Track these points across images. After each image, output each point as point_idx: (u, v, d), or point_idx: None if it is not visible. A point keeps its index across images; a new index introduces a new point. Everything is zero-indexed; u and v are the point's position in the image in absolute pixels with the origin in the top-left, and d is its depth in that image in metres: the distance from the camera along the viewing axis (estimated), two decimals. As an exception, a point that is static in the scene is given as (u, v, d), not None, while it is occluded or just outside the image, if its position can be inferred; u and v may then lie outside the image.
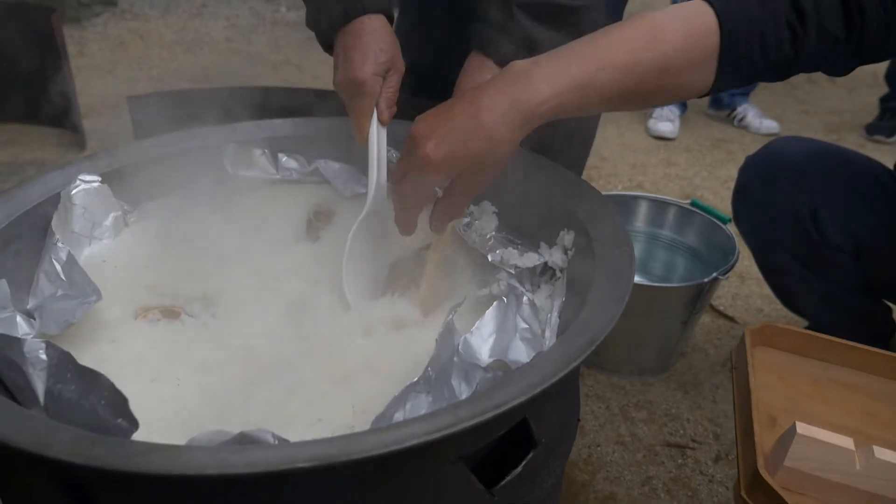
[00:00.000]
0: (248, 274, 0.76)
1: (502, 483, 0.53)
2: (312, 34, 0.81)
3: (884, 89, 2.63)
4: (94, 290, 0.64)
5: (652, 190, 2.17)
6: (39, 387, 0.49)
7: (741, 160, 1.23)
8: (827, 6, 0.62)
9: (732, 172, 1.49)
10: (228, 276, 0.75)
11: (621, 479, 1.17)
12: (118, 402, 0.47)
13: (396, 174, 0.67)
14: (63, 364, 0.49)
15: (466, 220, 0.77)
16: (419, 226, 0.71)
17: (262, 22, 3.91)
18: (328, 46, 0.80)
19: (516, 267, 0.72)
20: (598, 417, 1.30)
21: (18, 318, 0.62)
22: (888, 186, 1.09)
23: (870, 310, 1.22)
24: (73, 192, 0.74)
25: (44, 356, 0.50)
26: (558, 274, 0.72)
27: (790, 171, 1.12)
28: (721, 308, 1.62)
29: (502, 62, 0.79)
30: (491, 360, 0.57)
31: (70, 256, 0.66)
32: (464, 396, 0.54)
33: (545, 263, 0.73)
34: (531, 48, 0.78)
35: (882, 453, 0.57)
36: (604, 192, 0.75)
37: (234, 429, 0.45)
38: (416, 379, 0.53)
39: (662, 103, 0.70)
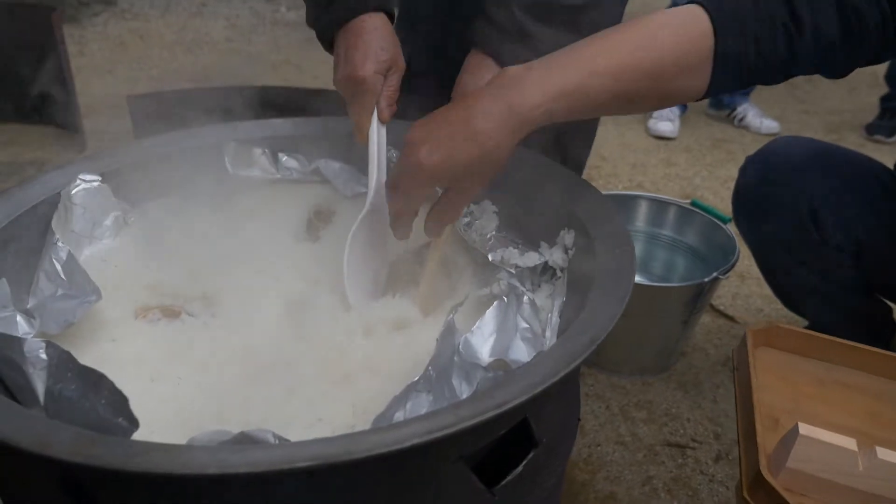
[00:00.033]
0: (248, 273, 0.76)
1: (503, 483, 0.53)
2: (313, 34, 0.81)
3: (884, 89, 2.63)
4: (95, 290, 0.64)
5: (652, 190, 2.17)
6: (39, 386, 0.49)
7: (741, 160, 1.23)
8: (822, 9, 0.62)
9: (732, 172, 1.49)
10: (229, 275, 0.75)
11: (621, 478, 1.17)
12: (118, 402, 0.47)
13: (391, 180, 0.67)
14: (63, 363, 0.49)
15: (467, 219, 0.77)
16: (418, 225, 0.71)
17: (262, 22, 3.91)
18: (329, 45, 0.80)
19: (517, 266, 0.72)
20: (598, 417, 1.30)
21: (18, 318, 0.62)
22: (888, 186, 1.09)
23: (870, 310, 1.21)
24: (74, 191, 0.74)
25: (44, 356, 0.50)
26: (559, 273, 0.72)
27: (790, 171, 1.12)
28: (721, 308, 1.62)
29: (502, 61, 0.79)
30: (491, 359, 0.57)
31: (70, 256, 0.66)
32: (464, 396, 0.54)
33: (546, 263, 0.73)
34: (531, 47, 0.78)
35: (885, 454, 0.57)
36: (604, 192, 0.75)
37: (235, 428, 0.45)
38: (416, 378, 0.53)
39: (658, 107, 0.70)
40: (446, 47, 0.85)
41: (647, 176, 2.29)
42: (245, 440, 0.44)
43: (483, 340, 0.58)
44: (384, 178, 0.76)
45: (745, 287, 1.69)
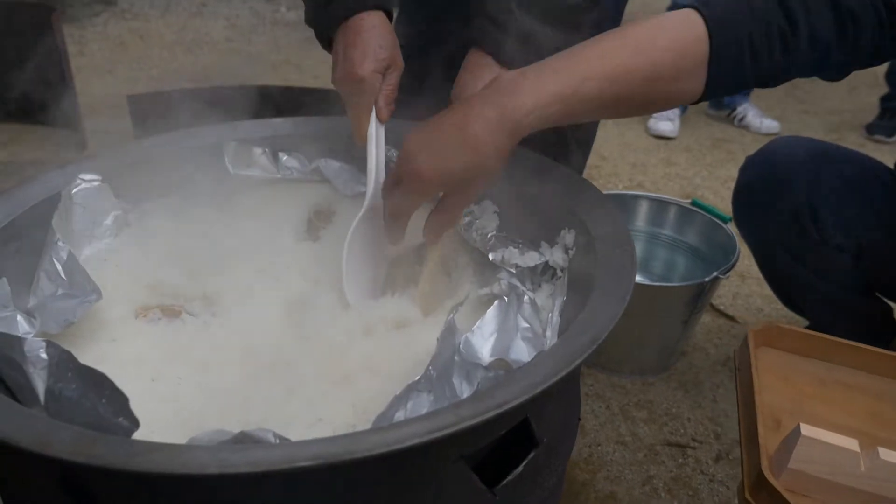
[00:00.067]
0: (248, 273, 0.76)
1: (504, 482, 0.53)
2: (312, 34, 0.81)
3: (884, 89, 2.63)
4: (95, 290, 0.64)
5: (652, 189, 2.17)
6: (40, 386, 0.49)
7: (741, 160, 1.23)
8: (818, 13, 0.62)
9: (733, 172, 1.49)
10: (229, 275, 0.75)
11: (622, 478, 1.17)
12: (119, 402, 0.47)
13: (387, 188, 0.68)
14: (64, 363, 0.49)
15: (467, 219, 0.77)
16: (419, 224, 0.71)
17: (262, 22, 3.91)
18: (327, 44, 0.80)
19: (517, 266, 0.72)
20: (598, 417, 1.30)
21: (19, 317, 0.62)
22: (889, 186, 1.09)
23: (870, 309, 1.21)
24: (74, 191, 0.74)
25: (44, 355, 0.49)
26: (559, 273, 0.72)
27: (790, 171, 1.12)
28: (721, 307, 1.62)
29: (502, 59, 0.79)
30: (492, 359, 0.57)
31: (71, 255, 0.66)
32: (465, 396, 0.53)
33: (546, 263, 0.73)
34: (531, 45, 0.78)
35: (887, 455, 0.57)
36: (604, 192, 0.75)
37: (235, 428, 0.45)
38: (417, 378, 0.52)
39: (654, 111, 0.70)
40: (446, 48, 0.85)
41: (648, 175, 2.29)
42: (245, 440, 0.44)
43: (484, 340, 0.59)
44: (383, 177, 0.76)
45: (746, 287, 1.69)
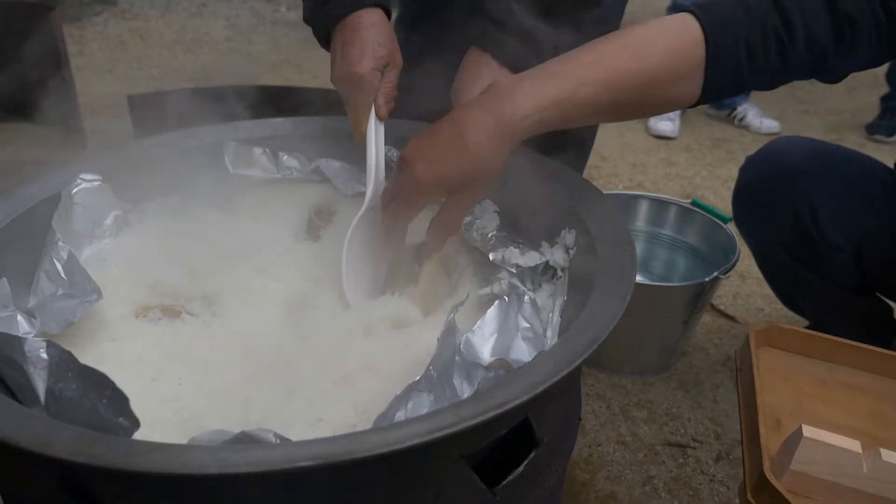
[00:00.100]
0: (248, 273, 0.76)
1: (504, 482, 0.53)
2: (312, 33, 0.81)
3: (884, 89, 2.63)
4: (95, 289, 0.64)
5: (652, 189, 2.17)
6: (40, 386, 0.49)
7: (741, 160, 1.23)
8: (815, 17, 0.63)
9: (733, 172, 1.49)
10: (229, 275, 0.75)
11: (622, 478, 1.17)
12: (119, 402, 0.47)
13: (386, 195, 0.69)
14: (64, 363, 0.49)
15: (468, 219, 0.77)
16: (417, 223, 0.71)
17: (261, 21, 3.91)
18: (325, 42, 0.80)
19: (518, 266, 0.71)
20: (598, 417, 1.30)
21: (19, 317, 0.62)
22: (889, 186, 1.09)
23: (870, 309, 1.21)
24: (74, 191, 0.74)
25: (44, 355, 0.49)
26: (560, 273, 0.72)
27: (790, 170, 1.12)
28: (722, 307, 1.62)
29: (501, 57, 0.79)
30: (493, 359, 0.57)
31: (71, 255, 0.66)
32: (465, 396, 0.53)
33: (546, 262, 0.73)
34: (530, 43, 0.78)
35: (889, 456, 0.57)
36: (604, 192, 0.75)
37: (235, 428, 0.45)
38: (417, 378, 0.52)
39: (651, 115, 0.71)
40: (446, 44, 0.85)
41: (648, 175, 2.29)
42: (246, 440, 0.44)
43: (484, 340, 0.59)
44: (382, 175, 0.76)
45: (746, 287, 1.69)
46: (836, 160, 1.13)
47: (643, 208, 1.54)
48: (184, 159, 0.84)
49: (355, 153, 0.85)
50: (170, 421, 0.57)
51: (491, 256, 0.73)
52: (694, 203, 1.49)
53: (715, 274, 1.25)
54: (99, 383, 0.48)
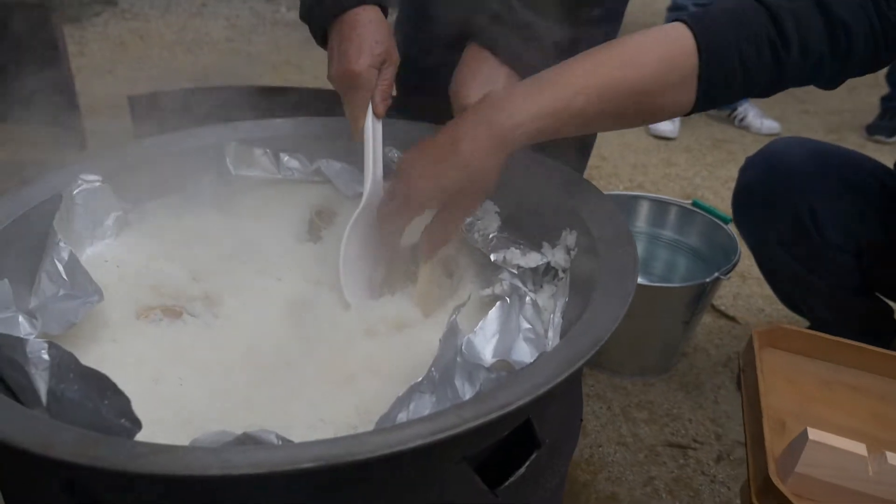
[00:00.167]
0: (249, 274, 0.76)
1: (506, 484, 0.53)
2: (309, 32, 0.81)
3: (884, 89, 2.63)
4: (96, 290, 0.64)
5: (652, 190, 2.17)
6: (42, 387, 0.49)
7: (742, 160, 1.23)
8: (809, 25, 0.63)
9: (733, 172, 1.48)
10: (230, 275, 0.75)
11: (623, 479, 1.17)
12: (121, 403, 0.47)
13: (382, 207, 0.69)
14: (65, 364, 0.49)
15: (469, 220, 0.77)
16: (415, 223, 0.71)
17: (262, 22, 3.90)
18: (322, 40, 0.80)
19: (519, 267, 0.71)
20: (599, 418, 1.30)
21: (20, 318, 0.62)
22: (888, 186, 1.09)
23: (870, 309, 1.21)
24: (75, 191, 0.74)
25: (46, 356, 0.49)
26: (561, 274, 0.72)
27: (790, 171, 1.12)
28: (722, 308, 1.62)
29: (500, 53, 0.79)
30: (494, 360, 0.57)
31: (72, 256, 0.65)
32: (467, 397, 0.53)
33: (548, 263, 0.73)
34: (529, 39, 0.77)
35: (895, 459, 0.57)
36: (604, 192, 0.75)
37: (237, 429, 0.45)
38: (419, 379, 0.52)
39: (646, 123, 0.71)
40: (452, 48, 0.85)
41: (648, 176, 2.29)
42: (248, 441, 0.44)
43: (486, 341, 0.59)
44: (380, 172, 0.76)
45: (747, 287, 1.69)
46: (835, 161, 1.13)
47: (643, 209, 1.54)
48: (184, 160, 0.84)
49: (356, 154, 0.85)
50: (171, 422, 0.57)
51: (492, 257, 0.73)
52: (694, 204, 1.49)
53: (715, 275, 1.25)
54: (100, 384, 0.48)
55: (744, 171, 1.21)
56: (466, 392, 0.54)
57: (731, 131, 2.67)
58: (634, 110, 0.65)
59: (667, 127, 2.56)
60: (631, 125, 0.69)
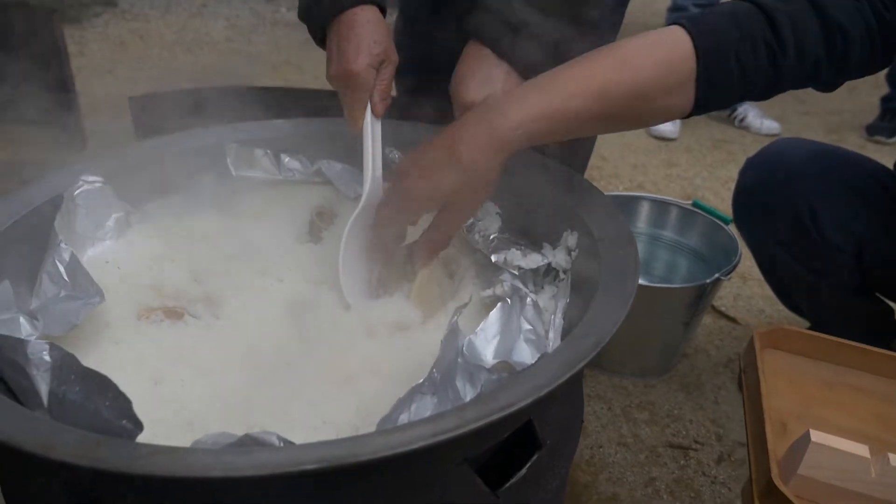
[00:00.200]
0: (250, 274, 0.76)
1: (507, 485, 0.53)
2: (308, 32, 0.81)
3: (884, 89, 2.63)
4: (98, 292, 0.64)
5: (653, 190, 2.17)
6: (43, 388, 0.49)
7: (742, 161, 1.23)
8: (806, 29, 0.63)
9: (733, 173, 1.49)
10: (231, 276, 0.75)
11: (624, 480, 1.17)
12: (122, 404, 0.47)
13: (380, 208, 0.70)
14: (67, 366, 0.49)
15: (470, 221, 0.77)
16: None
17: (262, 22, 3.91)
18: (321, 40, 0.80)
19: (520, 268, 0.72)
20: (600, 418, 1.30)
21: (21, 320, 0.62)
22: (888, 187, 1.09)
23: (870, 310, 1.21)
24: (76, 192, 0.74)
25: (47, 357, 0.49)
26: (562, 275, 0.72)
27: (790, 172, 1.12)
28: (723, 309, 1.62)
29: (500, 51, 0.79)
30: (495, 361, 0.57)
31: (73, 257, 0.65)
32: (468, 398, 0.53)
33: (549, 264, 0.73)
34: (529, 36, 0.77)
35: None
36: (605, 193, 0.75)
37: (239, 431, 0.45)
38: (421, 380, 0.52)
39: (643, 126, 0.71)
40: (455, 49, 0.85)
41: (648, 176, 2.29)
42: (249, 442, 0.44)
43: (487, 342, 0.59)
44: (379, 172, 0.76)
45: (747, 288, 1.69)
46: (835, 161, 1.13)
47: (644, 209, 1.54)
48: (185, 161, 0.84)
49: (357, 155, 0.85)
50: (172, 423, 0.57)
51: (493, 258, 0.73)
52: (695, 204, 1.49)
53: (716, 275, 1.25)
54: (102, 386, 0.48)
55: (744, 171, 1.21)
56: (468, 393, 0.54)
57: (731, 132, 2.67)
58: (632, 113, 0.66)
59: (667, 127, 2.56)
60: (629, 128, 0.69)
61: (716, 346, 1.51)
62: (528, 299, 0.65)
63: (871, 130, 2.62)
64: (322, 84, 0.88)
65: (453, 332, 0.56)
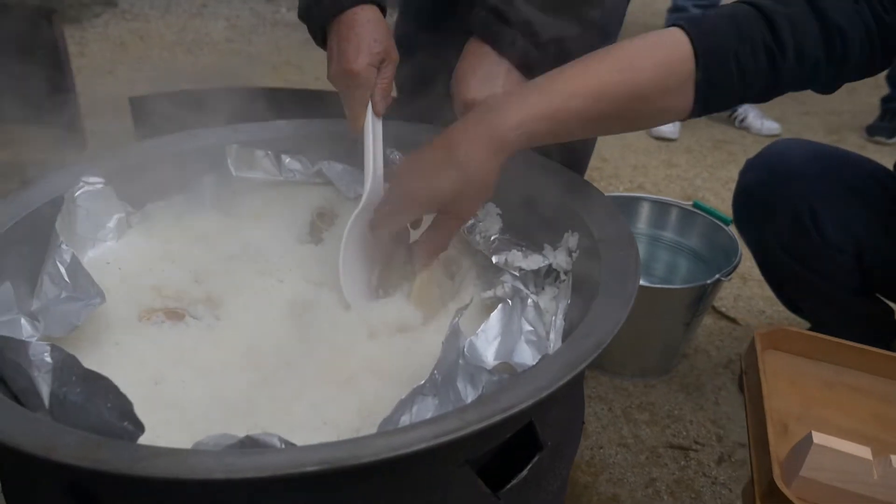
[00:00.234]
0: (251, 275, 0.76)
1: (508, 486, 0.53)
2: (308, 32, 0.81)
3: (885, 90, 2.63)
4: (98, 293, 0.64)
5: (653, 191, 2.17)
6: (44, 390, 0.49)
7: (742, 161, 1.23)
8: (805, 31, 0.63)
9: (733, 174, 1.49)
10: (232, 277, 0.75)
11: (624, 480, 1.17)
12: (123, 406, 0.47)
13: (380, 210, 0.70)
14: (68, 367, 0.49)
15: (470, 222, 0.77)
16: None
17: (262, 22, 3.90)
18: (321, 40, 0.80)
19: (521, 269, 0.72)
20: (600, 419, 1.30)
21: (23, 321, 0.62)
22: (888, 187, 1.09)
23: (870, 310, 1.21)
24: (77, 193, 0.74)
25: (49, 359, 0.49)
26: (563, 276, 0.72)
27: (790, 173, 1.12)
28: (723, 309, 1.62)
29: (501, 49, 0.79)
30: (496, 362, 0.57)
31: (74, 258, 0.65)
32: (469, 399, 0.53)
33: (550, 265, 0.73)
34: (530, 34, 0.77)
35: None
36: (605, 194, 0.75)
37: (240, 432, 0.45)
38: (422, 382, 0.52)
39: (643, 127, 0.71)
40: (445, 37, 0.85)
41: (648, 177, 2.29)
42: (251, 444, 0.44)
43: (488, 343, 0.59)
44: (380, 171, 0.76)
45: (747, 289, 1.69)
46: (835, 162, 1.13)
47: (644, 210, 1.54)
48: (186, 162, 0.84)
49: (358, 155, 0.85)
50: (174, 424, 0.57)
51: (494, 259, 0.73)
52: (695, 205, 1.49)
53: (716, 276, 1.25)
54: (103, 387, 0.48)
55: (744, 172, 1.21)
56: (469, 394, 0.54)
57: (731, 132, 2.67)
58: (632, 114, 0.66)
59: (667, 128, 2.56)
60: (629, 129, 0.69)
61: (716, 347, 1.51)
62: (529, 300, 0.65)
63: (872, 131, 2.62)
64: (323, 84, 0.88)
65: (454, 334, 0.56)
